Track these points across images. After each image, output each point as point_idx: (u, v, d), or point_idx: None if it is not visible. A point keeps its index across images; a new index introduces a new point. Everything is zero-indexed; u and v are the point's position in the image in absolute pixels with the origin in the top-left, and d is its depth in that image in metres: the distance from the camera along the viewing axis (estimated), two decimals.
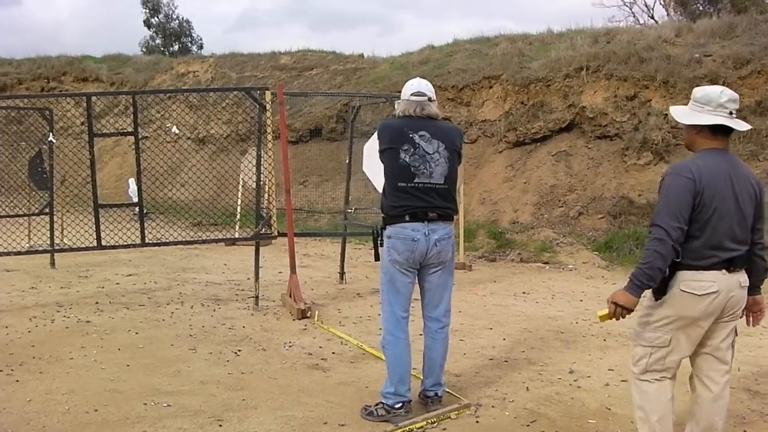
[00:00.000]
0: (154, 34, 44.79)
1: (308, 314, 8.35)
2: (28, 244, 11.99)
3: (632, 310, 4.00)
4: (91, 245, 8.84)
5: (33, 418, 5.13)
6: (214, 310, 8.77)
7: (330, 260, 13.28)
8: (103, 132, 10.56)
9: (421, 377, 5.54)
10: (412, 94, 5.25)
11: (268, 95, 8.87)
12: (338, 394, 5.72)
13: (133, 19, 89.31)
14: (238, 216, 15.27)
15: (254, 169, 9.91)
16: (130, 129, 9.19)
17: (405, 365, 5.28)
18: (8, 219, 10.92)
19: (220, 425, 5.01)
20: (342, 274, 10.89)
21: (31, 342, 7.21)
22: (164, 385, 5.90)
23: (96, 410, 5.30)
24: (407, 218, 5.14)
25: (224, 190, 13.81)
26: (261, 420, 5.12)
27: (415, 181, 5.13)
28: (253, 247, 9.28)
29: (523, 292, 10.33)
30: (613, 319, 4.07)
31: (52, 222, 11.42)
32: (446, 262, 5.34)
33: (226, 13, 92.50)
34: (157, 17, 44.75)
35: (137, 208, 9.54)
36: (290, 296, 8.77)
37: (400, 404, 5.20)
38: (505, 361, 6.71)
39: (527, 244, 14.20)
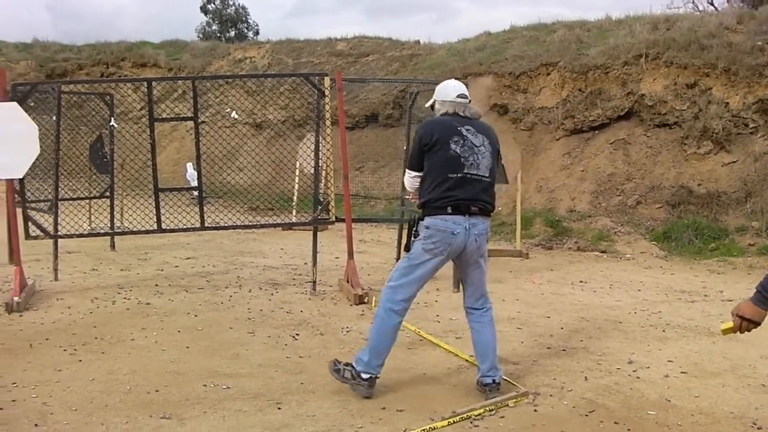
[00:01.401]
0: (210, 20, 45.12)
1: (365, 300, 8.36)
2: (89, 227, 12.14)
3: (759, 323, 3.68)
4: (151, 228, 8.94)
5: (96, 397, 5.21)
6: (272, 294, 8.82)
7: (386, 246, 13.27)
8: (163, 117, 10.60)
9: (477, 365, 5.53)
10: (457, 96, 5.38)
11: (326, 81, 8.88)
12: (395, 380, 5.70)
13: (189, 5, 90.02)
14: (295, 201, 15.32)
15: (312, 155, 9.94)
16: (188, 114, 9.25)
17: (387, 342, 5.38)
18: (70, 202, 11.06)
19: (279, 408, 5.04)
20: (398, 259, 10.85)
21: (93, 323, 7.32)
22: (223, 367, 5.95)
23: (157, 390, 5.36)
24: (449, 210, 5.17)
25: (281, 174, 13.86)
26: (319, 404, 5.13)
27: (464, 171, 5.19)
28: (310, 232, 9.31)
29: (581, 281, 10.23)
30: (738, 333, 3.74)
31: (112, 205, 11.57)
32: (484, 255, 5.41)
33: None
34: (214, 3, 45.07)
35: (195, 192, 9.64)
36: (347, 281, 8.78)
37: (367, 375, 5.31)
38: (563, 350, 6.66)
39: (584, 233, 14.07)
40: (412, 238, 5.37)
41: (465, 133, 5.25)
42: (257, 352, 6.43)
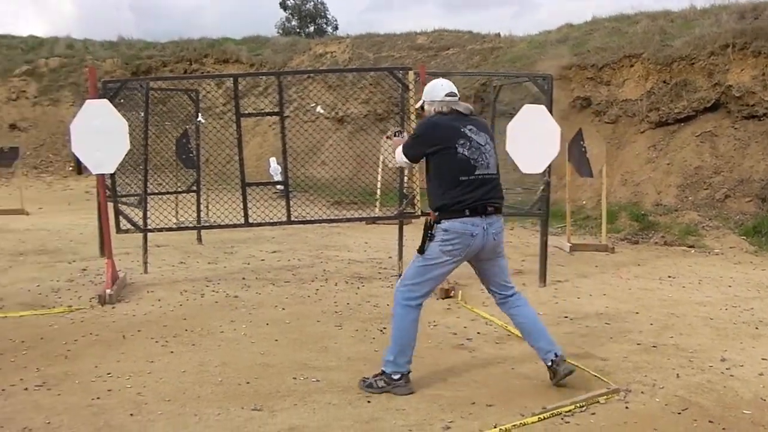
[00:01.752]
0: (290, 16, 45.51)
1: (452, 294, 8.33)
2: (175, 221, 12.34)
3: None
4: (238, 222, 9.03)
5: (188, 389, 5.29)
6: (358, 288, 8.84)
7: None
8: (248, 112, 10.69)
9: (535, 348, 5.55)
10: (446, 95, 5.42)
11: (411, 75, 8.85)
12: (485, 375, 5.69)
13: (269, 1, 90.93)
14: (378, 195, 15.34)
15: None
16: (269, 109, 9.31)
17: (409, 338, 5.39)
18: (157, 196, 11.25)
19: (369, 402, 5.06)
20: None
21: (183, 315, 7.44)
22: (312, 360, 5.99)
23: (248, 383, 5.42)
24: (467, 213, 5.22)
25: (363, 168, 13.88)
26: (409, 398, 5.14)
27: (476, 173, 5.25)
28: (393, 226, 9.31)
29: (669, 276, 10.02)
30: None
31: (198, 199, 11.75)
32: (502, 250, 5.56)
33: None
34: None
35: (279, 187, 9.72)
36: None
37: (398, 375, 5.32)
38: (654, 346, 6.53)
39: (671, 227, 13.78)
40: (428, 241, 5.36)
41: (469, 133, 5.28)
42: (345, 345, 6.46)
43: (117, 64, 28.93)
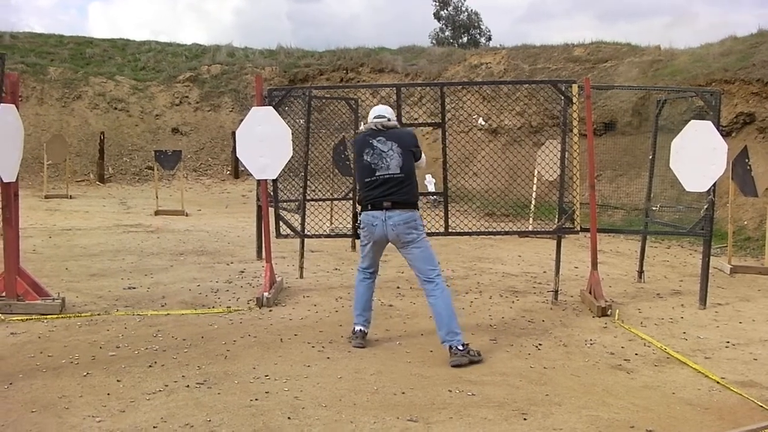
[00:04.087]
0: (443, 26, 45.63)
1: (608, 312, 8.12)
2: (329, 227, 12.50)
3: None
4: None
5: (344, 395, 5.31)
6: (513, 302, 8.74)
7: (625, 257, 12.87)
8: (411, 123, 10.71)
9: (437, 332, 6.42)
10: (374, 117, 6.72)
11: (574, 88, 8.69)
12: (643, 398, 5.49)
13: (423, 12, 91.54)
14: (532, 208, 15.16)
15: (551, 162, 9.77)
16: (423, 119, 9.28)
17: (358, 295, 6.85)
18: (313, 202, 11.41)
19: (525, 419, 4.95)
20: (641, 272, 10.48)
21: (339, 321, 7.51)
22: (467, 373, 5.92)
23: (403, 393, 5.40)
24: (369, 207, 6.54)
25: (516, 181, 13.72)
26: (565, 418, 5.00)
27: (376, 174, 6.51)
28: (546, 240, 9.14)
29: None
30: None
31: (354, 207, 11.84)
32: (413, 241, 6.51)
33: (514, 4, 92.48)
34: (447, 10, 45.54)
35: (430, 197, 9.71)
36: (590, 292, 8.56)
37: (355, 329, 6.74)
38: None
39: None
40: (358, 229, 6.72)
41: (376, 143, 6.57)
42: (500, 360, 6.36)
43: (275, 72, 29.66)
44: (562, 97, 8.76)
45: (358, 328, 6.70)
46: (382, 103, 7.42)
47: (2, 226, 7.76)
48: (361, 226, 6.61)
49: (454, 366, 6.09)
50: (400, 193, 6.48)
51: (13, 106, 7.51)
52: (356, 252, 11.98)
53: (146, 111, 28.14)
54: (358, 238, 6.78)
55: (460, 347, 6.21)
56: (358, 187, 6.90)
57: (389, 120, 6.73)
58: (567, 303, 8.74)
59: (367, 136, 6.66)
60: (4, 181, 7.46)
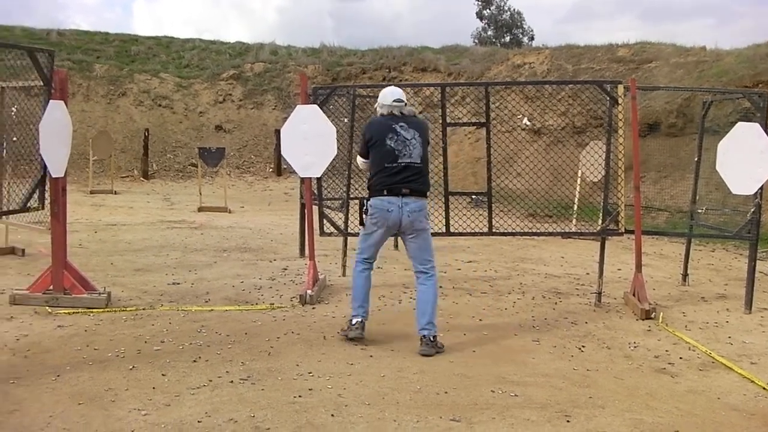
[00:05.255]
0: (486, 26, 45.52)
1: (652, 315, 8.05)
2: None
3: None
4: (439, 231, 9.03)
5: (387, 393, 5.32)
6: (556, 303, 8.70)
7: (669, 260, 12.75)
8: (455, 122, 10.68)
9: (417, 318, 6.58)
10: (393, 101, 6.71)
11: (620, 89, 8.63)
12: (688, 402, 5.44)
13: (465, 11, 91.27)
14: (575, 209, 15.08)
15: (595, 163, 9.71)
16: (466, 119, 9.27)
17: (357, 287, 6.81)
18: (356, 201, 11.41)
19: (568, 421, 4.92)
20: (685, 275, 10.38)
21: (382, 320, 7.52)
22: (510, 374, 5.90)
23: (446, 392, 5.39)
24: (385, 192, 6.51)
25: (559, 181, 13.66)
26: (609, 420, 4.96)
27: (399, 161, 6.51)
28: (589, 242, 9.09)
29: None
30: None
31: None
32: (422, 229, 6.62)
33: (556, 4, 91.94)
34: (489, 9, 45.41)
35: (473, 196, 9.68)
36: (634, 295, 8.50)
37: (354, 320, 6.70)
38: None
39: None
40: (364, 216, 6.67)
41: (399, 129, 6.58)
42: (543, 361, 6.34)
43: (318, 71, 29.79)
44: (608, 98, 8.71)
45: (358, 319, 6.68)
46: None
47: (50, 220, 7.88)
48: (371, 212, 6.58)
49: (423, 355, 6.32)
50: (419, 181, 6.57)
51: (62, 102, 7.61)
52: (399, 251, 12.02)
53: (190, 108, 28.40)
54: (362, 225, 6.74)
55: (432, 338, 6.43)
56: (372, 171, 6.65)
57: (406, 105, 6.79)
58: (610, 305, 8.68)
59: (388, 120, 6.66)
60: (53, 176, 7.57)
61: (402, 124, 6.61)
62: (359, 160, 7.00)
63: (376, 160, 6.61)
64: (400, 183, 6.49)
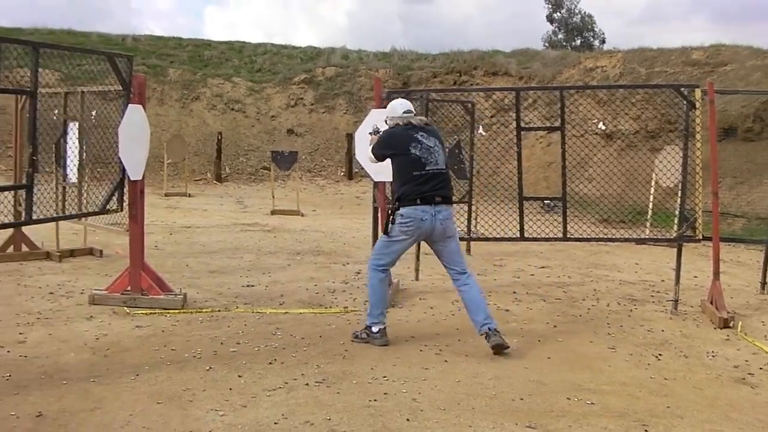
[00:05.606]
0: (556, 29, 45.24)
1: (731, 324, 7.89)
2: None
3: None
4: (513, 236, 9.00)
5: (463, 399, 5.30)
6: (631, 311, 8.57)
7: (747, 268, 12.49)
8: (529, 126, 10.65)
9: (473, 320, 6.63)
10: (403, 112, 6.85)
11: (697, 93, 8.49)
12: None
13: (535, 14, 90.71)
14: (649, 215, 14.86)
15: (670, 168, 9.58)
16: (538, 123, 9.21)
17: (379, 294, 6.80)
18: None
19: (646, 431, 4.84)
20: (764, 284, 10.15)
21: (455, 325, 7.50)
22: (586, 381, 5.84)
23: (521, 399, 5.35)
24: (419, 201, 6.52)
25: (632, 187, 13.51)
26: (688, 431, 4.88)
27: (426, 168, 6.56)
28: (664, 248, 8.96)
29: None
30: None
31: (470, 210, 11.89)
32: (452, 235, 6.76)
33: (628, 6, 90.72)
34: (560, 12, 45.14)
35: (543, 202, 9.65)
36: (711, 303, 8.35)
37: (377, 328, 6.68)
38: None
39: None
40: (390, 224, 6.64)
41: (420, 138, 6.63)
42: (620, 369, 6.26)
43: (389, 75, 29.86)
44: (684, 102, 8.57)
45: (382, 327, 6.69)
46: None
47: (129, 222, 8.04)
48: (404, 221, 6.55)
49: (497, 345, 6.39)
50: (447, 188, 6.72)
51: (140, 106, 7.76)
52: (472, 256, 12.01)
53: (262, 112, 28.71)
54: (387, 233, 6.71)
55: (497, 330, 6.51)
56: (400, 182, 6.65)
57: (415, 115, 6.93)
58: (687, 313, 8.53)
59: (408, 130, 6.72)
60: (131, 179, 7.72)
61: (422, 133, 6.70)
62: (369, 158, 7.16)
63: (402, 170, 6.65)
64: (432, 191, 6.56)
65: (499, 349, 6.39)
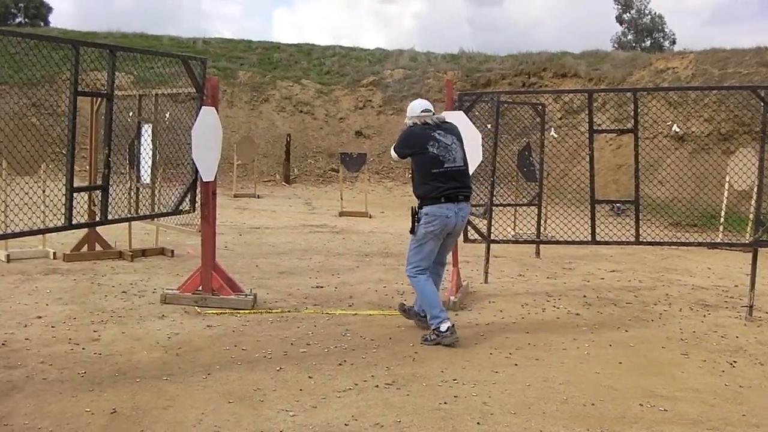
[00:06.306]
0: (626, 30, 44.75)
1: None
2: (512, 233, 12.47)
3: None
4: (584, 239, 8.92)
5: (533, 404, 5.29)
6: (704, 316, 8.44)
7: None
8: (602, 128, 10.57)
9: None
10: (421, 111, 7.05)
11: None
12: None
13: (605, 15, 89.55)
14: (722, 219, 14.60)
15: (746, 171, 9.42)
16: (606, 125, 9.11)
17: (430, 296, 6.89)
18: (497, 208, 11.39)
19: None
20: None
21: (525, 328, 7.47)
22: (659, 387, 5.77)
23: (593, 404, 5.32)
24: (443, 200, 6.73)
25: (704, 190, 13.28)
26: None
27: (445, 166, 6.76)
28: (737, 253, 8.79)
29: None
30: None
31: (539, 213, 11.79)
32: (460, 231, 7.24)
33: (699, 6, 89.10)
34: (630, 13, 44.64)
35: (614, 205, 9.55)
36: None
37: (445, 327, 6.68)
38: None
39: None
40: (416, 224, 6.85)
41: (438, 136, 6.84)
42: (693, 375, 6.17)
43: (458, 77, 29.73)
44: (762, 103, 8.40)
45: (449, 324, 6.71)
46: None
47: (201, 223, 8.15)
48: (430, 220, 6.75)
49: (423, 341, 6.78)
50: (467, 186, 7.01)
51: (213, 108, 7.86)
52: (541, 259, 11.95)
53: (330, 114, 28.85)
54: (414, 234, 6.91)
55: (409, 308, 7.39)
56: (420, 179, 6.85)
57: (434, 114, 7.10)
58: (762, 320, 8.37)
59: (426, 129, 6.90)
60: (204, 180, 7.83)
61: (439, 131, 6.91)
62: (393, 154, 7.23)
63: (421, 168, 6.85)
64: (454, 189, 6.80)
65: (424, 342, 6.73)
